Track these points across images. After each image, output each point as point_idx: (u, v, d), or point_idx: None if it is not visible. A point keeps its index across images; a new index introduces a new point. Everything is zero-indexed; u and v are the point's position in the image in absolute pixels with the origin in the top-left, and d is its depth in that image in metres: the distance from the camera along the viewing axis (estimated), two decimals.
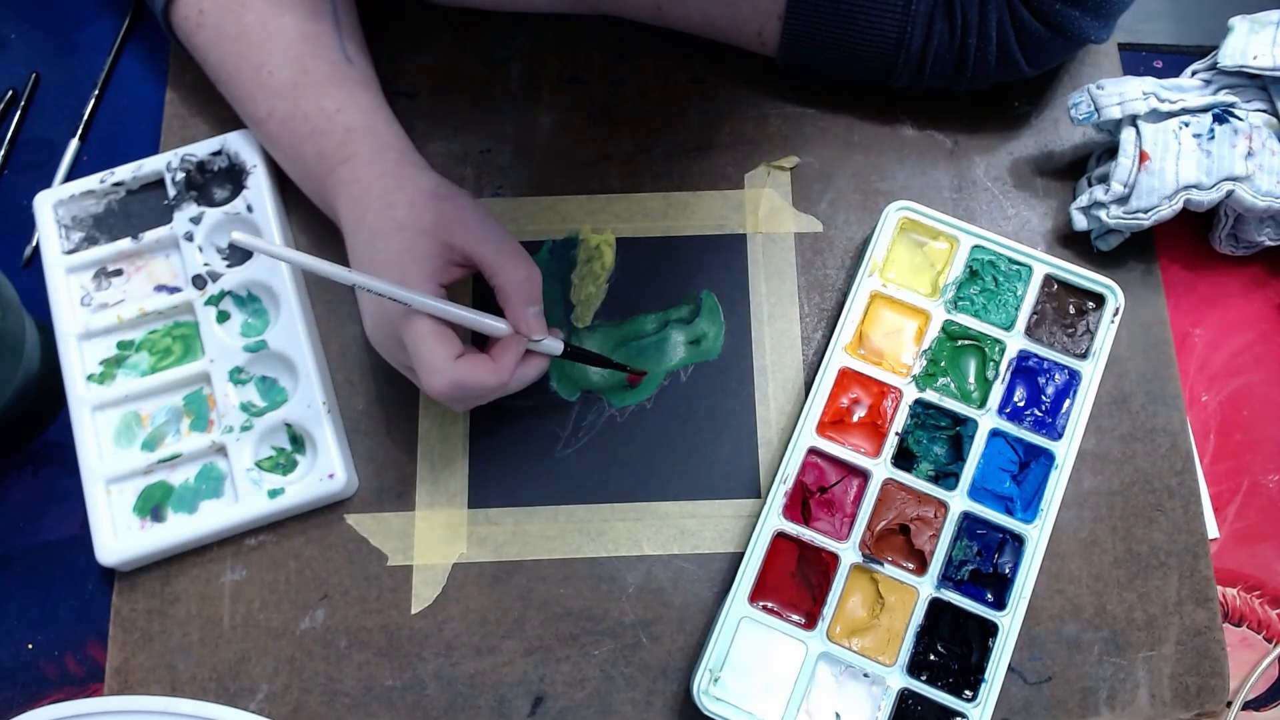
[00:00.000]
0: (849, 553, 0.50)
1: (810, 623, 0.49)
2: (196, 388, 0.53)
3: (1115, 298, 0.53)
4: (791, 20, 0.53)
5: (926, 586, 0.49)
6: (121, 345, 0.54)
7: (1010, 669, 0.49)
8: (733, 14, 0.55)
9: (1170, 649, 0.50)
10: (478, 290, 0.55)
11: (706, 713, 0.47)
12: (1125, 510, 0.52)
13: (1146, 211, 0.53)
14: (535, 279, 0.47)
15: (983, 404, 0.52)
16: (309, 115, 0.51)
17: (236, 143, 0.55)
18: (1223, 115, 0.53)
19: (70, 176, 0.58)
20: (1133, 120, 0.53)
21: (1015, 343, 0.53)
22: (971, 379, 0.53)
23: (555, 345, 0.49)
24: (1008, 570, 0.50)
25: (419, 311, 0.45)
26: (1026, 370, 0.53)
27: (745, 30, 0.55)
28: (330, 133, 0.50)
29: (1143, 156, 0.52)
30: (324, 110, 0.51)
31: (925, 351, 0.53)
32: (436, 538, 0.52)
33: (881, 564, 0.50)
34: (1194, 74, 0.56)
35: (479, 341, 0.50)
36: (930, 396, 0.52)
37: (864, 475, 0.51)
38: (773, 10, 0.54)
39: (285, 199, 0.57)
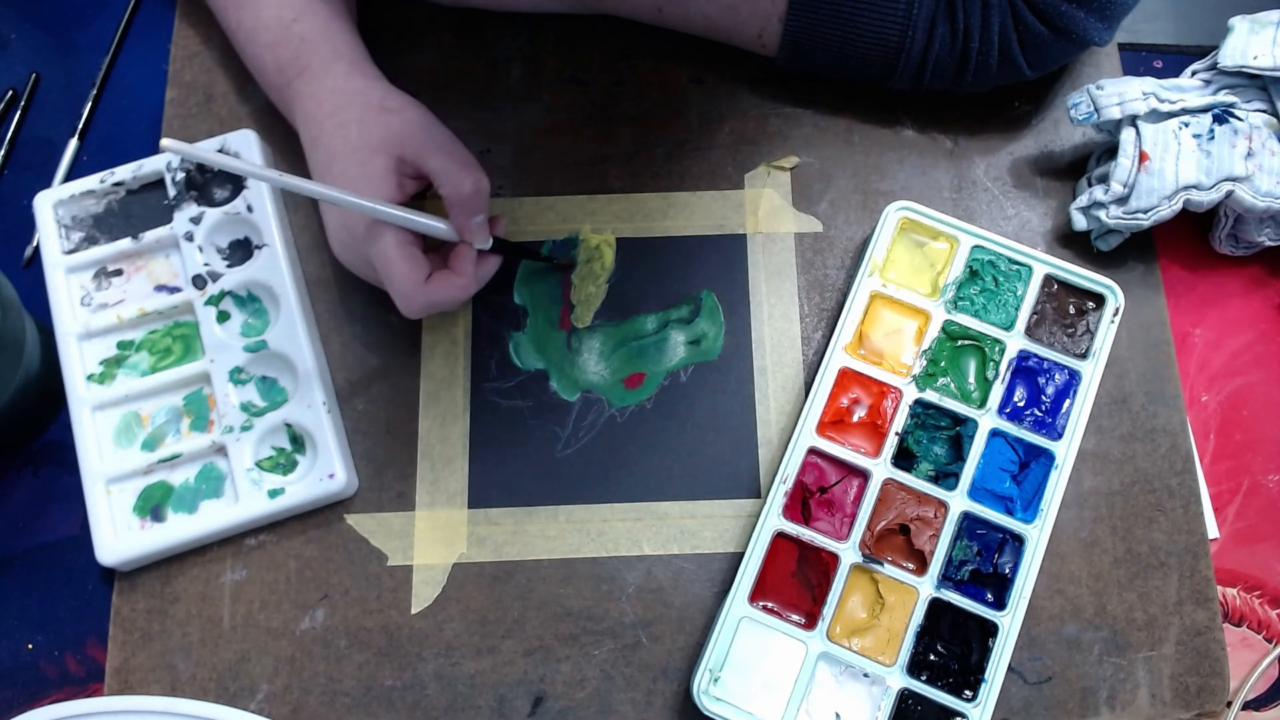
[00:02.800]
0: (849, 553, 0.50)
1: (810, 623, 0.49)
2: (196, 388, 0.53)
3: (1115, 298, 0.53)
4: (792, 22, 0.53)
5: (926, 586, 0.49)
6: (121, 345, 0.54)
7: (1010, 669, 0.49)
8: (733, 16, 0.55)
9: (1170, 649, 0.50)
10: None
11: (706, 713, 0.47)
12: (1125, 510, 0.52)
13: (1146, 212, 0.53)
14: (482, 189, 0.48)
15: (983, 404, 0.52)
16: (268, 25, 0.51)
17: (236, 143, 0.55)
18: (1223, 115, 0.53)
19: (70, 176, 0.58)
20: (1132, 120, 0.53)
21: (1015, 343, 0.53)
22: (971, 379, 0.53)
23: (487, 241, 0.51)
24: (1008, 570, 0.50)
25: (386, 236, 0.47)
26: (1026, 370, 0.53)
27: (745, 32, 0.55)
28: (287, 43, 0.51)
29: (1142, 157, 0.52)
30: (281, 20, 0.51)
31: (925, 351, 0.53)
32: (436, 538, 0.52)
33: (881, 564, 0.50)
34: (1194, 74, 0.56)
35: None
36: (930, 396, 0.52)
37: (864, 475, 0.51)
38: (773, 12, 0.54)
39: (286, 199, 0.57)
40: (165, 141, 0.41)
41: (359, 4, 0.57)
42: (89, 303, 0.54)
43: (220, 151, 0.55)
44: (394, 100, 0.49)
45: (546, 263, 0.55)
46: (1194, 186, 0.52)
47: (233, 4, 0.53)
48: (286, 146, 0.57)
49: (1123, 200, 0.53)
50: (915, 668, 0.48)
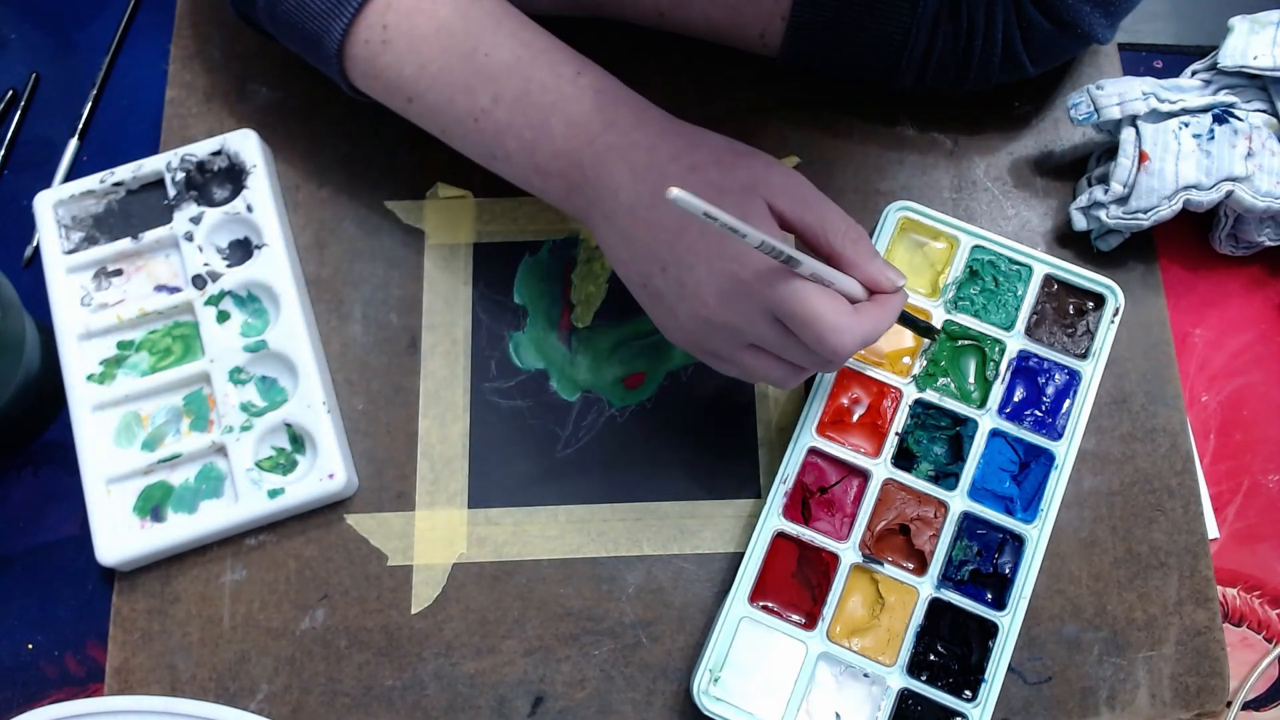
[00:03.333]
0: (849, 553, 0.50)
1: (810, 623, 0.49)
2: (196, 388, 0.53)
3: (1115, 298, 0.53)
4: (795, 22, 0.53)
5: (926, 586, 0.49)
6: (121, 345, 0.54)
7: (1010, 669, 0.49)
8: (735, 17, 0.55)
9: (1170, 649, 0.50)
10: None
11: (706, 713, 0.47)
12: (1125, 510, 0.52)
13: (1146, 212, 0.53)
14: (862, 230, 0.44)
15: (983, 404, 0.52)
16: (547, 85, 0.45)
17: (236, 142, 0.55)
18: (1223, 115, 0.53)
19: (70, 176, 0.58)
20: (1132, 120, 0.53)
21: (1015, 343, 0.53)
22: (971, 379, 0.53)
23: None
24: (1008, 570, 0.50)
25: (792, 277, 0.40)
26: (1026, 370, 0.53)
27: (748, 33, 0.55)
28: (579, 99, 0.45)
29: (1142, 157, 0.52)
30: (563, 76, 0.46)
31: (925, 351, 0.53)
32: (436, 538, 0.52)
33: (881, 564, 0.50)
34: (1194, 74, 0.56)
35: None
36: (930, 396, 0.52)
37: (864, 475, 0.51)
38: (776, 12, 0.53)
39: (285, 199, 0.57)
40: (674, 192, 0.35)
41: None
42: (89, 303, 0.54)
43: (219, 152, 0.55)
44: (744, 145, 0.44)
45: (928, 332, 0.51)
46: (1194, 186, 0.52)
47: (480, 82, 0.46)
48: (287, 147, 0.57)
49: (1123, 200, 0.53)
50: (915, 668, 0.48)
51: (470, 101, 0.47)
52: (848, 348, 0.41)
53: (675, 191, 0.35)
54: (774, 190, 0.43)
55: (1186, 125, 0.52)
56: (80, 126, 0.59)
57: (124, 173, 0.55)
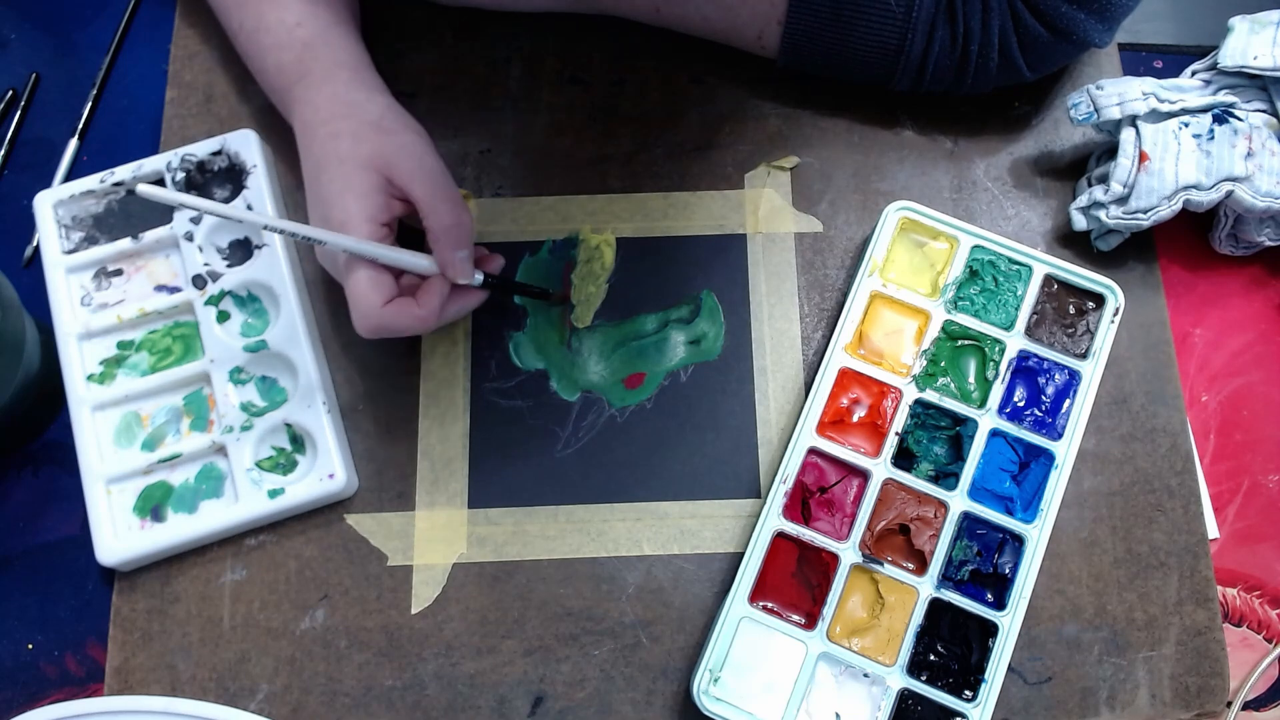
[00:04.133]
0: (849, 553, 0.50)
1: (810, 623, 0.49)
2: (196, 388, 0.53)
3: (1115, 298, 0.53)
4: (791, 25, 0.53)
5: (926, 586, 0.49)
6: (121, 345, 0.54)
7: (1010, 669, 0.49)
8: (732, 18, 0.55)
9: (1170, 649, 0.50)
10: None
11: (706, 713, 0.47)
12: (1125, 510, 0.52)
13: (1146, 212, 0.53)
14: (465, 224, 0.48)
15: (983, 404, 0.52)
16: (271, 27, 0.51)
17: (236, 143, 0.55)
18: (1222, 115, 0.53)
19: (70, 176, 0.58)
20: (1132, 120, 0.53)
21: (1015, 343, 0.53)
22: (971, 379, 0.53)
23: (478, 277, 0.50)
24: (1008, 570, 0.50)
25: (356, 256, 0.46)
26: (1026, 370, 0.53)
27: (745, 34, 0.55)
28: (289, 46, 0.50)
29: (1142, 157, 0.52)
30: (284, 23, 0.51)
31: (925, 351, 0.53)
32: (436, 538, 0.52)
33: (881, 564, 0.50)
34: (1194, 74, 0.56)
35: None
36: (930, 396, 0.52)
37: (864, 475, 0.51)
38: (772, 15, 0.54)
39: (286, 199, 0.57)
40: (140, 187, 0.42)
41: (361, 5, 0.57)
42: (89, 303, 0.54)
43: (219, 152, 0.55)
44: (392, 120, 0.49)
45: (544, 298, 0.55)
46: (1194, 186, 0.52)
47: (235, 5, 0.52)
48: (287, 146, 0.57)
49: (1123, 200, 0.53)
50: (915, 668, 0.48)
51: (227, 19, 0.54)
52: (361, 326, 0.47)
53: (140, 188, 0.42)
54: (393, 168, 0.47)
55: (1186, 125, 0.52)
56: (80, 126, 0.59)
57: (124, 173, 0.55)
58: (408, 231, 0.51)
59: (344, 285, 0.48)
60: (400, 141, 0.48)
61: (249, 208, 0.54)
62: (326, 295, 0.55)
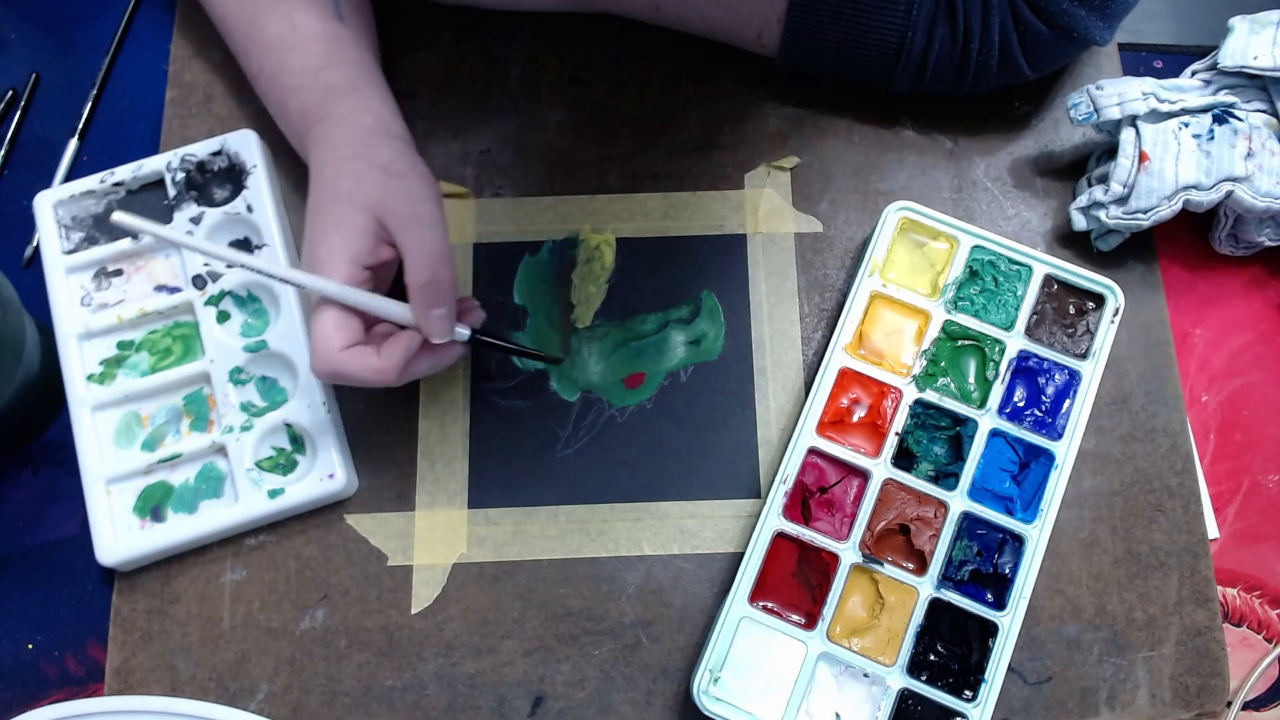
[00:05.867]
0: (849, 553, 0.50)
1: (810, 623, 0.49)
2: (196, 388, 0.53)
3: (1115, 298, 0.53)
4: (791, 24, 0.53)
5: (926, 586, 0.49)
6: (121, 345, 0.54)
7: (1010, 669, 0.49)
8: (731, 16, 0.55)
9: (1170, 649, 0.50)
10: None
11: (706, 713, 0.47)
12: (1125, 510, 0.52)
13: (1146, 212, 0.53)
14: (443, 281, 0.46)
15: (983, 404, 0.52)
16: (294, 71, 0.50)
17: (236, 143, 0.55)
18: (1222, 116, 0.53)
19: (70, 176, 0.58)
20: (1132, 121, 0.53)
21: (1015, 343, 0.53)
22: (971, 379, 0.53)
23: (462, 333, 0.49)
24: (1008, 570, 0.50)
25: (325, 292, 0.45)
26: (1026, 370, 0.53)
27: (744, 33, 0.55)
28: (313, 90, 0.50)
29: (1142, 157, 0.52)
30: (309, 67, 0.50)
31: (925, 351, 0.53)
32: (436, 538, 0.52)
33: (881, 564, 0.50)
34: (1194, 74, 0.56)
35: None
36: (930, 396, 0.52)
37: (864, 475, 0.51)
38: (772, 14, 0.54)
39: (286, 200, 0.57)
40: (115, 215, 0.41)
41: None
42: (89, 303, 0.54)
43: (219, 152, 0.55)
44: (402, 165, 0.48)
45: (535, 358, 0.53)
46: (1194, 187, 0.52)
47: (256, 49, 0.52)
48: (287, 146, 0.57)
49: (1122, 200, 0.53)
50: (915, 668, 0.48)
51: (247, 62, 0.54)
52: (316, 368, 0.46)
53: (115, 215, 0.42)
54: (388, 212, 0.46)
55: (1186, 125, 0.52)
56: (80, 126, 0.59)
57: (124, 173, 0.55)
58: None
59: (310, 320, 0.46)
60: (402, 185, 0.47)
61: (249, 208, 0.54)
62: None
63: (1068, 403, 0.52)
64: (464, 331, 0.49)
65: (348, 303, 0.46)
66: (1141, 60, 0.61)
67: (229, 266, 0.46)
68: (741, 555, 0.50)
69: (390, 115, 0.51)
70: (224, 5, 0.53)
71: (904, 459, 0.51)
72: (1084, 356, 0.53)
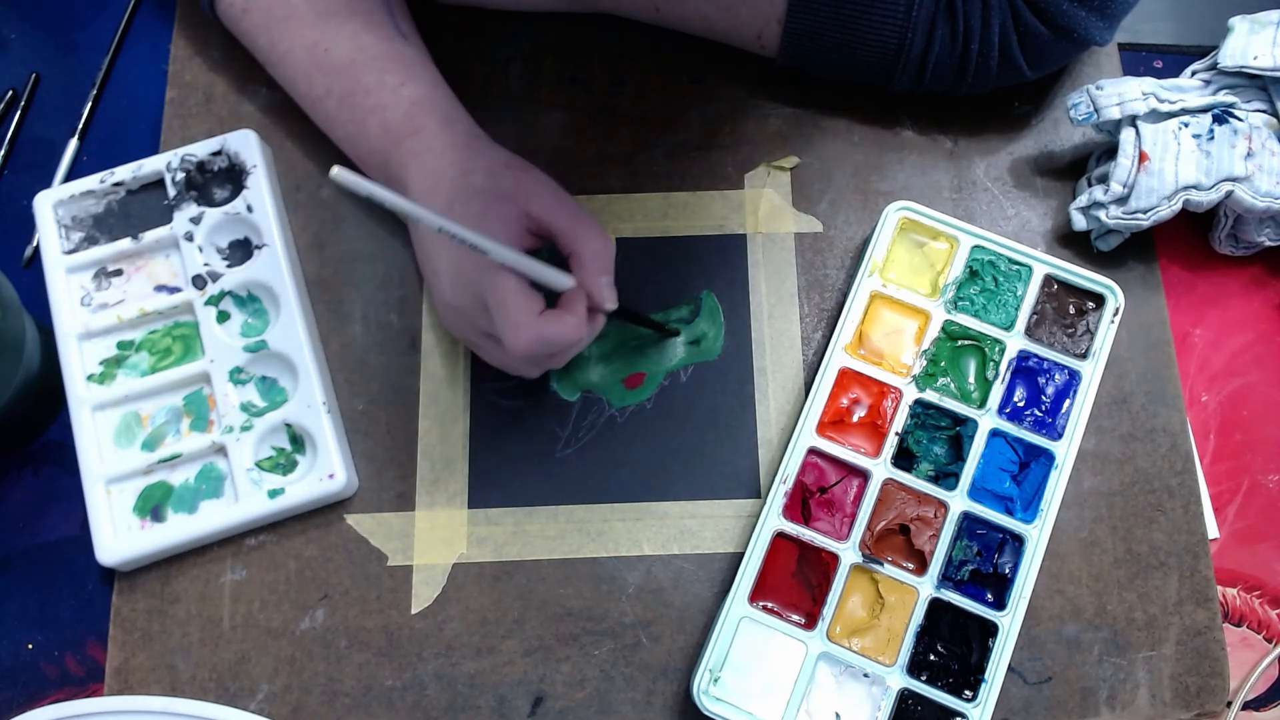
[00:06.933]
0: (849, 553, 0.50)
1: (810, 623, 0.49)
2: (196, 388, 0.53)
3: (1115, 298, 0.53)
4: (791, 25, 0.53)
5: (926, 586, 0.49)
6: (121, 345, 0.54)
7: (1010, 669, 0.49)
8: (731, 17, 0.55)
9: (1170, 649, 0.50)
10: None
11: (706, 713, 0.47)
12: (1125, 510, 0.52)
13: (1146, 212, 0.53)
14: (609, 249, 0.47)
15: (983, 404, 0.52)
16: (371, 89, 0.50)
17: (236, 143, 0.55)
18: (1222, 116, 0.53)
19: (70, 176, 0.58)
20: (1132, 121, 0.53)
21: (1015, 343, 0.53)
22: (971, 379, 0.53)
23: (612, 304, 0.48)
24: (1008, 570, 0.50)
25: (503, 269, 0.44)
26: (1026, 370, 0.53)
27: (744, 33, 0.55)
28: (395, 106, 0.50)
29: (1142, 157, 0.52)
30: (386, 84, 0.50)
31: (925, 351, 0.53)
32: (436, 538, 0.52)
33: (881, 564, 0.50)
34: (1194, 74, 0.56)
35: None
36: (930, 396, 0.52)
37: (864, 475, 0.51)
38: (772, 14, 0.54)
39: (286, 200, 0.57)
40: (336, 170, 0.38)
41: None
42: (89, 303, 0.54)
43: (219, 152, 0.55)
44: (520, 161, 0.49)
45: (661, 330, 0.54)
46: (1194, 187, 0.52)
47: (319, 72, 0.52)
48: (286, 147, 0.57)
49: (1122, 200, 0.53)
50: (915, 668, 0.48)
51: (309, 87, 0.52)
52: (520, 343, 0.44)
53: (335, 170, 0.38)
54: (530, 198, 0.47)
55: (1186, 125, 0.52)
56: (80, 126, 0.59)
57: (124, 173, 0.55)
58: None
59: (492, 305, 0.45)
60: (533, 176, 0.48)
61: (249, 208, 0.54)
62: (326, 295, 0.56)
63: (1068, 403, 0.52)
64: (612, 304, 0.48)
65: (524, 271, 0.45)
66: (1141, 60, 0.61)
67: (439, 230, 0.42)
68: (741, 555, 0.50)
69: (474, 124, 0.52)
70: (272, 36, 0.53)
71: (904, 459, 0.51)
72: (1084, 356, 0.53)
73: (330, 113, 0.52)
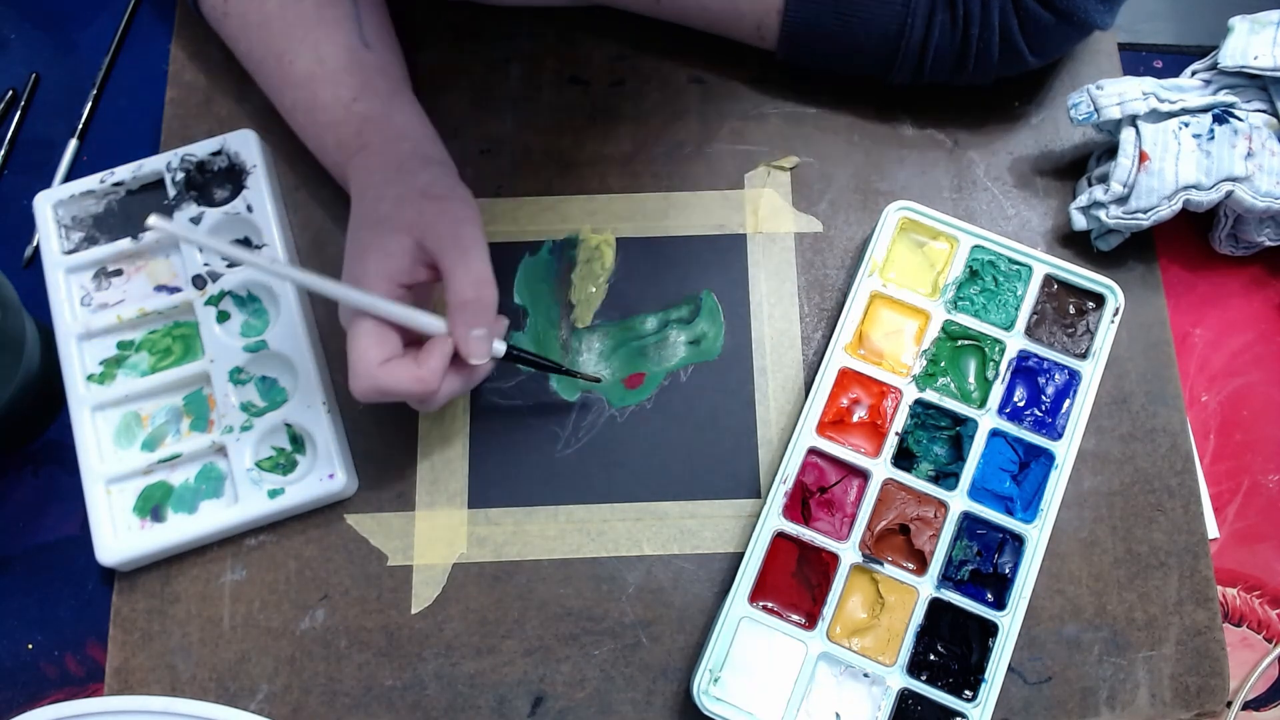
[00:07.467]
0: (849, 553, 0.50)
1: (810, 623, 0.49)
2: (196, 388, 0.53)
3: (1115, 298, 0.53)
4: (790, 14, 0.53)
5: (926, 586, 0.49)
6: (121, 345, 0.54)
7: (1010, 669, 0.49)
8: (730, 8, 0.55)
9: (1170, 649, 0.50)
10: None
11: (706, 713, 0.47)
12: (1125, 510, 0.52)
13: (1146, 212, 0.53)
14: (484, 301, 0.45)
15: (983, 404, 0.52)
16: (327, 105, 0.51)
17: (236, 143, 0.55)
18: (1222, 115, 0.53)
19: (70, 176, 0.58)
20: (1132, 120, 0.53)
21: (1015, 343, 0.53)
22: (971, 379, 0.53)
23: (499, 348, 0.47)
24: (1008, 570, 0.50)
25: (363, 312, 0.45)
26: (1026, 370, 0.53)
27: (744, 24, 0.55)
28: (347, 122, 0.50)
29: (1142, 157, 0.52)
30: (340, 100, 0.50)
31: (925, 351, 0.53)
32: (436, 538, 0.52)
33: (881, 564, 0.50)
34: (1194, 74, 0.56)
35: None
36: (930, 396, 0.52)
37: (864, 475, 0.51)
38: (771, 5, 0.54)
39: (286, 200, 0.57)
40: (151, 219, 0.41)
41: None
42: (89, 303, 0.54)
43: (219, 152, 0.55)
44: (441, 188, 0.47)
45: (570, 375, 0.52)
46: (1194, 186, 0.52)
47: (287, 85, 0.52)
48: (286, 147, 0.57)
49: (1122, 200, 0.53)
50: (915, 668, 0.48)
51: (279, 97, 0.53)
52: (356, 390, 0.44)
53: (151, 219, 0.42)
54: (425, 231, 0.45)
55: (1186, 125, 0.52)
56: (80, 126, 0.59)
57: (124, 173, 0.55)
58: None
59: (348, 340, 0.45)
60: (441, 208, 0.46)
61: (249, 208, 0.54)
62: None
63: (1068, 402, 0.52)
64: (500, 347, 0.48)
65: (381, 314, 0.45)
66: (1141, 60, 0.61)
67: (278, 277, 0.44)
68: (741, 555, 0.50)
69: (427, 139, 0.51)
70: (249, 42, 0.53)
71: (904, 459, 0.51)
72: (1084, 356, 0.53)
73: (299, 124, 0.53)
